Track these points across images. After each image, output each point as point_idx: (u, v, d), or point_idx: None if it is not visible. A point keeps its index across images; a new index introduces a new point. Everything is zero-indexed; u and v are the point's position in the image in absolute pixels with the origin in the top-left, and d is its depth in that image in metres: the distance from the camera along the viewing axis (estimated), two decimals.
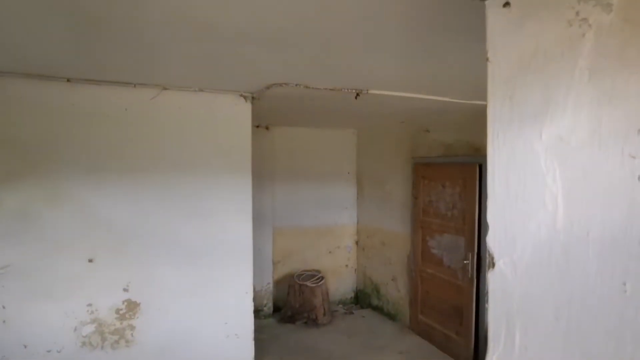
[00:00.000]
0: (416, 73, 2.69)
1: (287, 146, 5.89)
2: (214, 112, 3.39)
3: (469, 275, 4.27)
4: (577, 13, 0.77)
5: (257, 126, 5.52)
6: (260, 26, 1.84)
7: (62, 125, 2.96)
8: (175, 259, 3.31)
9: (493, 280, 0.93)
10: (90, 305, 3.08)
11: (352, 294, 6.43)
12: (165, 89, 3.20)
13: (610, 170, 0.72)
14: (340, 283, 6.33)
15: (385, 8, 1.60)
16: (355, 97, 3.33)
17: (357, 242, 6.44)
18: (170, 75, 2.85)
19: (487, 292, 0.95)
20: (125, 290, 3.18)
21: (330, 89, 3.13)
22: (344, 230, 6.36)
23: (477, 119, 4.05)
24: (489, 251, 0.95)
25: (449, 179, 4.60)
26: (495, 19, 0.91)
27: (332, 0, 1.53)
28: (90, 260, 3.07)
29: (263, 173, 5.47)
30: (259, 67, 2.58)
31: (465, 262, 4.32)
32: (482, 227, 4.16)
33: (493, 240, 0.93)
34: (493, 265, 0.93)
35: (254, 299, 3.67)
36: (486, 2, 0.93)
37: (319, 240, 6.17)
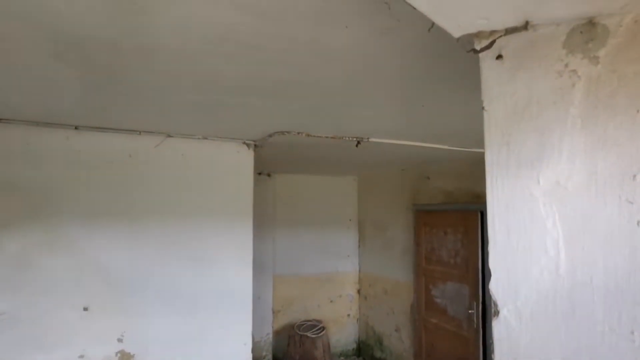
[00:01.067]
0: (415, 121, 2.76)
1: (289, 193, 5.91)
2: (217, 159, 3.44)
3: (475, 326, 4.13)
4: (566, 65, 0.80)
5: (259, 173, 5.57)
6: (262, 77, 1.90)
7: (65, 171, 3.00)
8: (173, 307, 3.23)
9: (498, 328, 0.90)
10: (82, 356, 2.96)
11: (354, 345, 6.20)
12: (169, 136, 3.27)
13: (609, 215, 0.73)
14: (342, 333, 6.12)
15: (383, 60, 1.67)
16: (356, 145, 3.39)
17: (359, 291, 6.30)
18: (174, 123, 2.92)
19: (493, 342, 0.92)
20: (120, 340, 3.07)
21: (332, 137, 3.19)
22: (346, 278, 6.24)
23: (477, 167, 4.10)
24: (492, 299, 0.93)
25: (450, 226, 4.58)
26: (489, 70, 0.96)
27: (330, 52, 1.60)
28: (85, 309, 2.99)
29: (264, 220, 5.46)
30: (262, 116, 2.65)
31: (470, 311, 4.20)
32: (485, 275, 4.08)
33: (496, 287, 0.92)
34: (497, 313, 0.91)
35: (253, 350, 3.53)
36: (480, 55, 0.98)
37: (320, 288, 6.03)
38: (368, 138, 3.28)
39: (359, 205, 6.38)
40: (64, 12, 1.31)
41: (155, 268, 3.19)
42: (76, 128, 2.97)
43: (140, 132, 3.15)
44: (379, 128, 2.97)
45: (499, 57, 0.92)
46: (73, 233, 2.99)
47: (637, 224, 0.69)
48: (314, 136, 3.13)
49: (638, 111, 0.70)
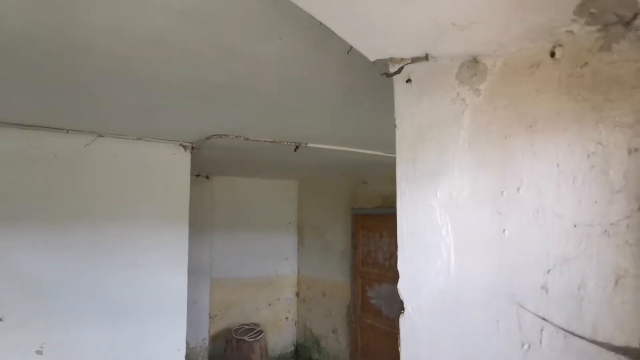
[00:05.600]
0: (351, 129, 2.87)
1: (227, 196, 5.86)
2: (152, 160, 3.35)
3: None
4: (458, 94, 0.93)
5: (197, 175, 5.47)
6: (199, 81, 1.91)
7: None
8: (100, 314, 3.09)
9: (403, 325, 1.01)
10: None
11: (292, 348, 6.26)
12: (100, 135, 3.14)
13: (485, 225, 0.85)
14: (280, 337, 6.16)
15: (316, 71, 1.75)
16: (295, 150, 3.45)
17: (297, 294, 6.37)
18: (106, 122, 2.81)
19: (399, 337, 1.02)
20: (39, 352, 2.89)
21: (270, 142, 3.23)
22: (285, 281, 6.28)
23: None
24: (400, 296, 1.03)
25: (386, 229, 4.78)
26: (400, 92, 1.07)
27: (265, 61, 1.65)
28: None
29: (202, 222, 5.36)
30: (199, 119, 2.64)
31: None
32: None
33: (403, 287, 1.02)
34: (403, 310, 1.02)
35: (188, 356, 3.47)
36: (393, 78, 1.08)
37: (258, 292, 6.03)
38: (306, 143, 3.36)
39: (299, 209, 6.46)
40: None
41: (82, 274, 3.04)
42: None
43: (67, 131, 3.00)
44: (317, 134, 3.06)
45: (408, 80, 1.03)
46: None
47: (503, 231, 0.82)
48: (253, 140, 3.16)
49: (506, 138, 0.83)
